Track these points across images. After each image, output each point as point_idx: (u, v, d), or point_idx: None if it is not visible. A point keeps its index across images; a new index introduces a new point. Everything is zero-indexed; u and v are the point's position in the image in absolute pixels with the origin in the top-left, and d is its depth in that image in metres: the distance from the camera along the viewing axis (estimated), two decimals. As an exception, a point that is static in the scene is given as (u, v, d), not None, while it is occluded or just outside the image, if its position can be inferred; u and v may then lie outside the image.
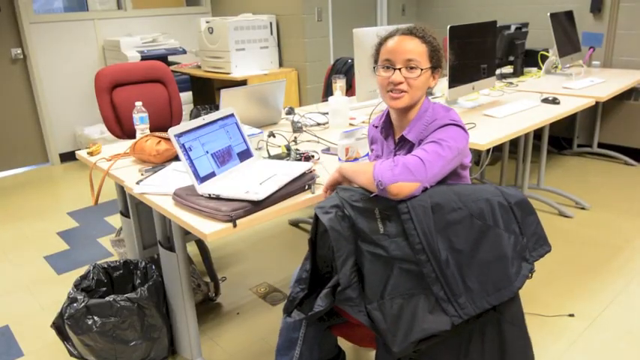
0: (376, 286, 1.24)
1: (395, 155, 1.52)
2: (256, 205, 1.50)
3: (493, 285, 1.22)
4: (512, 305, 1.28)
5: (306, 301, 1.34)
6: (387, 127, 1.56)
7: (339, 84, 2.54)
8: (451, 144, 1.34)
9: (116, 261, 2.06)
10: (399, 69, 1.41)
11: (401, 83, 1.41)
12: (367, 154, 1.88)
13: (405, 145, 1.48)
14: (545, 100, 2.78)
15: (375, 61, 1.49)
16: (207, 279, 2.44)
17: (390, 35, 1.46)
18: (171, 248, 1.85)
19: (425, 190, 1.27)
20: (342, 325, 1.54)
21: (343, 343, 1.89)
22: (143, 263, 2.04)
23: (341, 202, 1.28)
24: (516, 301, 1.29)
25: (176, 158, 2.00)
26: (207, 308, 2.38)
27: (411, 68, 1.40)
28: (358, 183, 1.33)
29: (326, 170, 1.86)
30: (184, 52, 4.64)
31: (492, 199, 1.25)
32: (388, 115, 1.55)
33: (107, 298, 1.80)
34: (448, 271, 1.22)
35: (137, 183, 1.78)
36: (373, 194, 1.28)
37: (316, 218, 1.29)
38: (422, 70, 1.40)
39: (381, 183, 1.25)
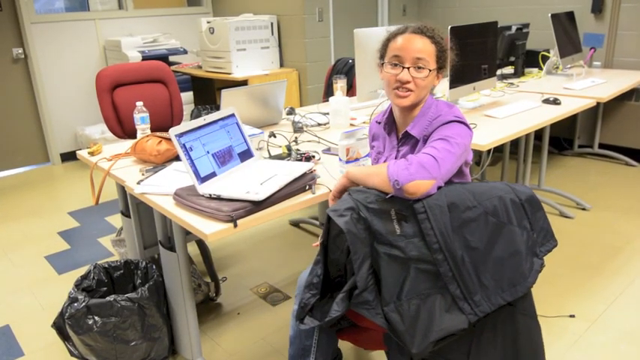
0: (393, 287, 1.23)
1: (398, 151, 1.52)
2: (257, 206, 1.50)
3: (508, 281, 1.24)
4: (525, 298, 1.29)
5: (316, 307, 1.32)
6: (390, 123, 1.56)
7: (340, 84, 2.54)
8: (458, 140, 1.34)
9: (117, 261, 2.06)
10: (408, 68, 1.40)
11: (408, 82, 1.41)
12: (368, 154, 1.87)
13: (408, 140, 1.49)
14: (546, 101, 2.78)
15: (382, 56, 1.47)
16: (208, 279, 2.44)
17: (400, 32, 1.44)
18: (171, 248, 1.85)
19: (439, 188, 1.27)
20: (348, 329, 1.52)
21: (343, 344, 1.89)
22: (144, 263, 2.04)
23: (355, 205, 1.25)
24: (528, 293, 1.30)
25: (177, 158, 2.00)
26: (208, 308, 2.38)
27: (420, 68, 1.40)
28: (370, 185, 1.31)
29: (327, 170, 1.86)
30: (185, 52, 4.65)
31: (505, 196, 1.27)
32: (391, 111, 1.55)
33: (108, 298, 1.80)
34: (464, 270, 1.22)
35: (138, 183, 1.78)
36: (389, 195, 1.27)
37: (328, 221, 1.27)
38: (430, 70, 1.41)
39: (398, 182, 1.24)
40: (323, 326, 1.42)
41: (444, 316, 1.22)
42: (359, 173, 1.35)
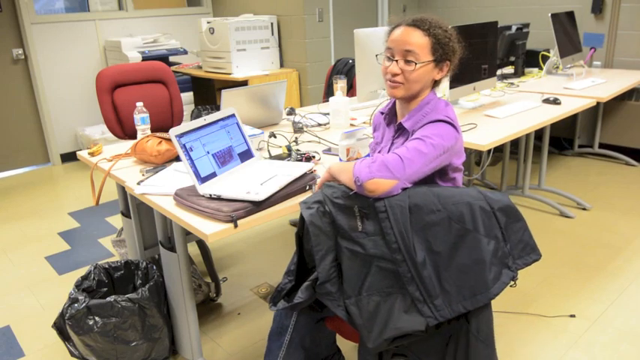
0: (354, 282, 1.26)
1: (392, 143, 1.53)
2: (257, 206, 1.50)
3: (469, 289, 1.21)
4: (481, 316, 1.26)
5: (293, 293, 1.37)
6: (391, 114, 1.57)
7: (340, 84, 2.54)
8: (435, 141, 1.33)
9: (117, 261, 2.07)
10: (397, 60, 1.42)
11: (397, 75, 1.42)
12: (368, 154, 1.88)
13: (403, 133, 1.49)
14: (546, 101, 2.78)
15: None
16: (208, 279, 2.44)
17: (397, 24, 1.46)
18: (172, 248, 1.86)
19: (405, 189, 1.27)
20: (334, 318, 1.55)
21: (343, 343, 1.89)
22: (144, 263, 2.04)
23: (323, 198, 1.29)
24: (486, 313, 1.27)
25: (177, 159, 2.01)
26: (208, 308, 2.38)
27: (408, 61, 1.40)
28: (341, 181, 1.34)
29: (327, 171, 1.86)
30: (185, 52, 4.65)
31: (474, 203, 1.23)
32: (395, 103, 1.56)
33: (108, 299, 1.80)
34: (425, 272, 1.22)
35: (138, 183, 1.78)
36: (353, 192, 1.29)
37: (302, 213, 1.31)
38: (418, 64, 1.40)
39: (358, 179, 1.26)
40: (292, 310, 1.48)
41: (402, 316, 1.23)
42: (336, 168, 1.38)
